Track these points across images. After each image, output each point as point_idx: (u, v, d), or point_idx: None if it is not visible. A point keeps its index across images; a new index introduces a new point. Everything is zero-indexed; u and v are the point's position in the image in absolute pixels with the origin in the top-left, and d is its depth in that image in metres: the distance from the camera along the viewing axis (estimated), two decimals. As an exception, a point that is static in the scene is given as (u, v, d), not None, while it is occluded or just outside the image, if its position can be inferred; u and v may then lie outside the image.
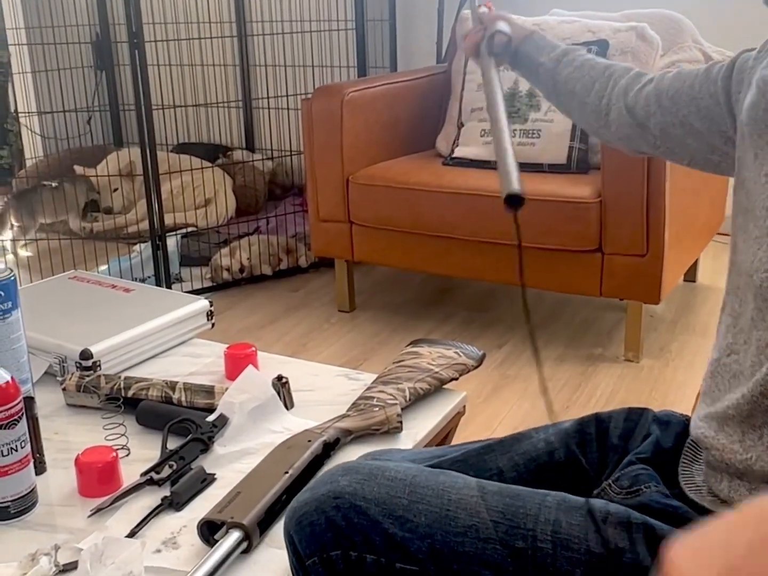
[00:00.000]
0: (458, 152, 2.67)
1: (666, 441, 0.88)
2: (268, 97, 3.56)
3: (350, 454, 1.12)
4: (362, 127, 2.71)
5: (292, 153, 3.49)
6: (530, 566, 0.74)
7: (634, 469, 0.84)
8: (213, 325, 1.61)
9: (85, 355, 1.37)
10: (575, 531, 0.75)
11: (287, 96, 3.45)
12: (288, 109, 3.47)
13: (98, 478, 1.09)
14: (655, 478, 0.83)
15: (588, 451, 0.92)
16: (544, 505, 0.77)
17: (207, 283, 3.05)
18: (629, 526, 0.75)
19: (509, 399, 2.22)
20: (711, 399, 0.81)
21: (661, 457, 0.86)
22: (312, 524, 0.79)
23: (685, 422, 0.92)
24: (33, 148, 4.01)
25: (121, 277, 2.39)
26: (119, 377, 1.33)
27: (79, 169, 3.57)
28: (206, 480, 1.10)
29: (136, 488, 1.08)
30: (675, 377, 2.31)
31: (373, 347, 2.55)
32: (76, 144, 3.91)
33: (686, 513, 0.78)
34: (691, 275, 2.94)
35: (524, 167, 2.74)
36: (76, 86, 3.93)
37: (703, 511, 0.79)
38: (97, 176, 3.52)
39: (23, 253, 3.39)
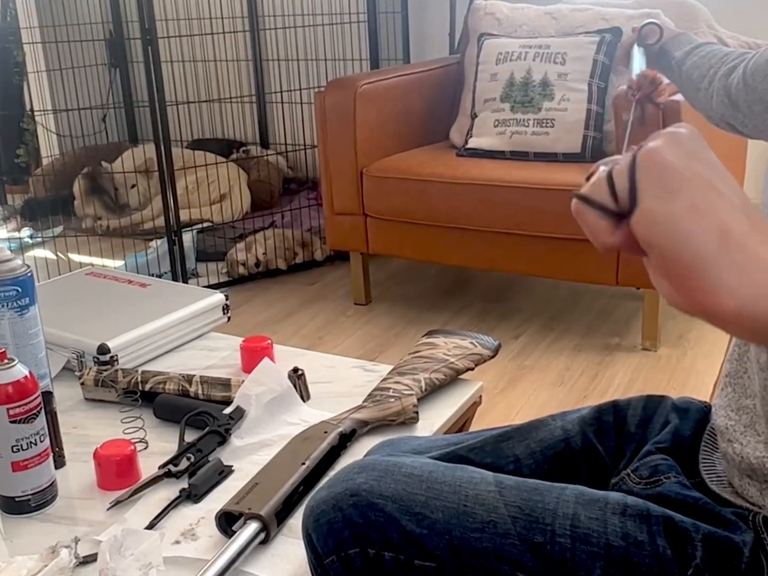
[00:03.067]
0: (472, 143, 2.66)
1: (685, 429, 0.88)
2: (281, 92, 3.56)
3: (367, 444, 1.12)
4: (375, 120, 2.70)
5: (306, 147, 3.50)
6: (549, 561, 0.74)
7: (653, 459, 0.84)
8: (229, 318, 1.61)
9: (103, 349, 1.38)
10: (594, 525, 0.74)
11: (300, 90, 3.45)
12: (301, 103, 3.47)
13: (117, 471, 1.10)
14: (674, 468, 0.82)
15: (605, 439, 0.91)
16: (562, 499, 0.76)
17: (223, 278, 3.06)
18: (648, 519, 0.74)
19: (526, 390, 2.22)
20: (740, 386, 0.79)
21: (681, 445, 0.86)
22: (329, 522, 0.79)
23: (704, 409, 0.91)
24: (49, 147, 4.04)
25: (137, 273, 2.40)
26: (136, 371, 1.33)
27: (105, 165, 3.60)
28: (224, 472, 1.11)
29: (154, 481, 1.09)
30: (693, 366, 2.30)
31: (390, 339, 2.55)
32: (92, 142, 3.93)
33: (707, 504, 0.77)
34: (708, 263, 2.91)
35: (538, 157, 2.75)
36: (90, 84, 3.95)
37: (725, 503, 0.78)
38: (113, 173, 3.54)
39: (40, 250, 3.42)
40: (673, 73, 1.35)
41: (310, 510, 0.81)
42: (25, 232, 3.55)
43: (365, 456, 0.97)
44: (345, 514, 0.78)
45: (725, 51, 1.23)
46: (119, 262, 3.05)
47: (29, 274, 1.20)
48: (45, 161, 4.05)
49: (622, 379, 2.25)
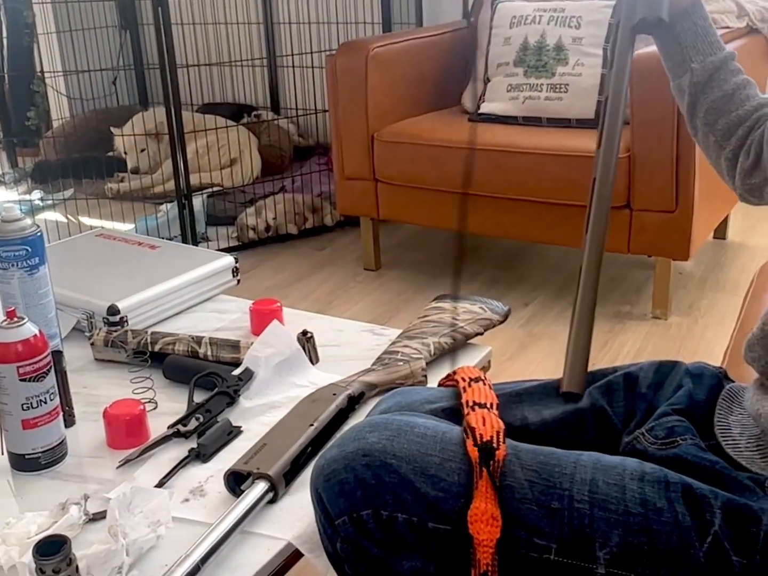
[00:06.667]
0: (484, 108, 2.63)
1: (699, 393, 0.87)
2: (292, 55, 3.53)
3: (375, 407, 1.12)
4: (387, 84, 2.68)
5: (317, 111, 3.47)
6: (566, 527, 0.73)
7: (669, 420, 0.83)
8: (238, 281, 1.61)
9: (113, 310, 1.38)
10: (612, 491, 0.73)
11: (312, 53, 3.42)
12: (312, 67, 3.44)
13: (126, 431, 1.10)
14: (691, 431, 0.81)
15: (614, 400, 0.91)
16: (580, 464, 0.76)
17: (233, 243, 3.05)
18: (667, 485, 0.74)
19: (535, 357, 2.22)
20: None
21: (695, 409, 0.85)
22: (341, 482, 0.77)
23: (718, 375, 0.91)
24: (59, 109, 4.02)
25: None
26: (146, 332, 1.33)
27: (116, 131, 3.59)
28: (232, 432, 1.11)
29: (163, 440, 1.09)
30: (704, 334, 2.29)
31: (399, 305, 2.55)
32: (102, 105, 3.91)
33: (724, 469, 0.77)
34: (720, 232, 2.89)
35: (551, 122, 2.71)
36: (100, 46, 3.93)
37: (740, 467, 0.78)
38: (123, 136, 3.53)
39: (51, 213, 3.42)
40: (679, 82, 0.99)
41: (320, 469, 0.80)
42: (36, 195, 3.55)
43: (376, 406, 0.96)
44: (357, 474, 0.77)
45: (755, 98, 0.96)
46: (129, 226, 3.05)
47: (39, 234, 1.20)
48: (55, 124, 4.03)
49: (631, 347, 2.24)
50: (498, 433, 0.77)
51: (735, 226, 2.96)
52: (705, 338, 2.27)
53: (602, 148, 0.80)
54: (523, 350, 2.25)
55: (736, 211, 2.90)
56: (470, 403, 0.84)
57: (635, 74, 2.18)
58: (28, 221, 1.21)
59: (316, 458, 0.82)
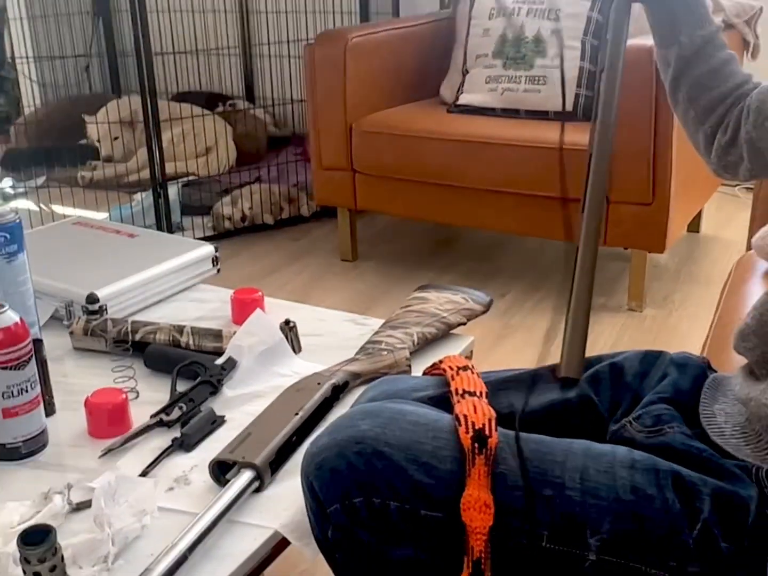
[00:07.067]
0: (463, 99, 2.64)
1: (684, 383, 0.88)
2: (268, 44, 3.50)
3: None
4: (365, 74, 2.67)
5: (293, 101, 3.45)
6: (558, 515, 0.73)
7: (656, 408, 0.84)
8: (219, 270, 1.60)
9: (92, 299, 1.36)
10: (603, 478, 0.74)
11: (288, 42, 3.40)
12: (289, 56, 3.41)
13: (108, 419, 1.09)
14: (677, 419, 0.82)
15: (600, 389, 0.92)
16: (571, 452, 0.76)
17: (208, 232, 3.03)
18: (657, 473, 0.74)
19: (513, 347, 2.23)
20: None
21: (680, 397, 0.86)
22: (333, 470, 0.77)
23: (702, 365, 0.92)
24: (30, 96, 3.96)
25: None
26: (126, 321, 1.32)
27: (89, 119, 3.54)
28: (216, 422, 1.10)
29: (146, 429, 1.08)
30: (678, 326, 2.32)
31: (376, 296, 2.55)
32: (74, 91, 3.86)
33: (712, 456, 0.78)
34: (694, 226, 2.92)
35: (529, 114, 2.71)
36: (72, 33, 3.87)
37: (726, 455, 0.78)
38: (96, 124, 3.48)
39: (22, 201, 3.36)
40: (665, 53, 0.99)
41: (312, 457, 0.79)
42: (7, 183, 3.49)
43: (362, 394, 0.96)
44: (349, 461, 0.76)
45: (737, 76, 0.96)
46: (103, 215, 3.01)
47: (18, 221, 1.18)
48: (26, 111, 3.97)
49: (607, 338, 2.26)
50: (490, 420, 0.77)
51: (708, 219, 3.00)
52: (679, 330, 2.30)
53: (598, 121, 0.80)
54: (501, 341, 2.26)
55: (709, 205, 2.93)
56: (460, 391, 0.84)
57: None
58: (7, 208, 1.19)
59: (308, 446, 0.82)
